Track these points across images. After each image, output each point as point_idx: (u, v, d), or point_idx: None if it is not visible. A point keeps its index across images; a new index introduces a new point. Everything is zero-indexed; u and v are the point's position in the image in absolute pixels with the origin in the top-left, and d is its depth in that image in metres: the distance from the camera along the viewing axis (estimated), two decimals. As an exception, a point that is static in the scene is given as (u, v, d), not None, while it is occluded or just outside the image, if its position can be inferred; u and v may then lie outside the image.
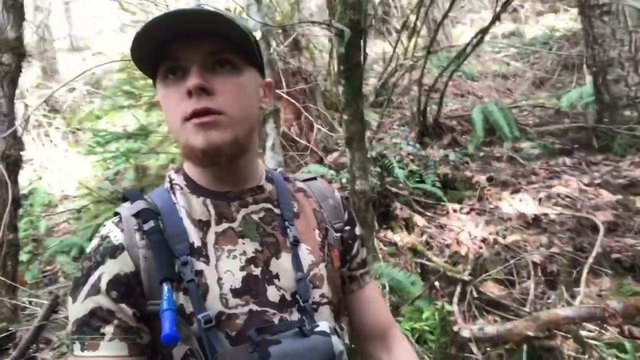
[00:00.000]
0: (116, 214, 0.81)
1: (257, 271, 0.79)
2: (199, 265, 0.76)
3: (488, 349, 2.41)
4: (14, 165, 3.25)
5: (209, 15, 0.71)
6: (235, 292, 0.76)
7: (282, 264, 0.82)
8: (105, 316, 0.72)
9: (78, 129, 8.85)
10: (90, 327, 0.72)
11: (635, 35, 4.70)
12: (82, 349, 0.71)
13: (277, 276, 0.80)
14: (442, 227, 3.99)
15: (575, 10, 7.60)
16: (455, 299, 2.83)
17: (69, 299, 0.75)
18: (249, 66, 0.80)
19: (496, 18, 4.39)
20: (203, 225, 0.79)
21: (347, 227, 0.97)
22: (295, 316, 0.79)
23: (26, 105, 7.48)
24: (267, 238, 0.83)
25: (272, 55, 5.59)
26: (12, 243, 3.09)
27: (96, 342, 0.71)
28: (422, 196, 4.42)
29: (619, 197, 3.56)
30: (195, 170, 0.84)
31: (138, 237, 0.76)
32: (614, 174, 3.99)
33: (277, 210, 0.86)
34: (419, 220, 4.11)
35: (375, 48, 9.34)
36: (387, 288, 3.24)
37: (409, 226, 4.14)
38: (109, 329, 0.71)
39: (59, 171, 7.58)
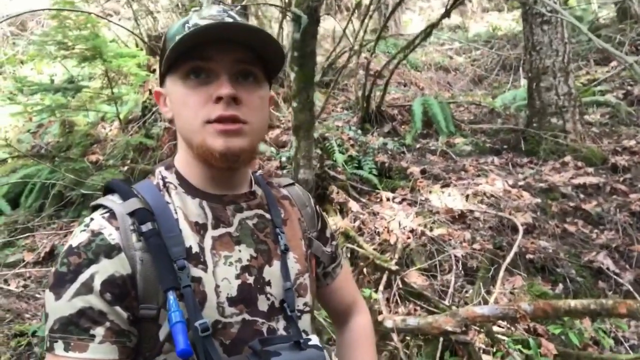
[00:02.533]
0: (99, 207, 0.78)
1: (250, 280, 0.79)
2: (197, 271, 0.74)
3: (407, 338, 2.55)
4: None
5: (251, 28, 0.76)
6: (231, 301, 0.76)
7: (274, 272, 0.83)
8: (97, 317, 0.69)
9: (-2, 73, 8.13)
10: (78, 327, 0.68)
11: (569, 47, 4.99)
12: (67, 349, 0.68)
13: (269, 283, 0.82)
14: (374, 214, 4.10)
15: (518, 12, 7.91)
16: (381, 287, 2.93)
17: (49, 294, 0.70)
18: (265, 80, 0.83)
19: (447, 14, 4.48)
20: (200, 229, 0.78)
21: (321, 234, 1.00)
22: (281, 324, 0.81)
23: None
24: (260, 245, 0.83)
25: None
26: None
27: (84, 343, 0.68)
28: (358, 182, 4.51)
29: (538, 200, 3.81)
30: (191, 170, 0.82)
31: (134, 238, 0.73)
32: (536, 177, 4.26)
33: (268, 216, 0.86)
34: (354, 205, 4.19)
35: (325, 24, 9.25)
36: (317, 271, 3.31)
37: (343, 210, 4.22)
38: (99, 331, 0.69)
39: (-27, 117, 6.95)
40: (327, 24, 9.00)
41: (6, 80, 7.77)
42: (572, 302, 2.08)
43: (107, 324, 0.69)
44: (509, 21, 9.67)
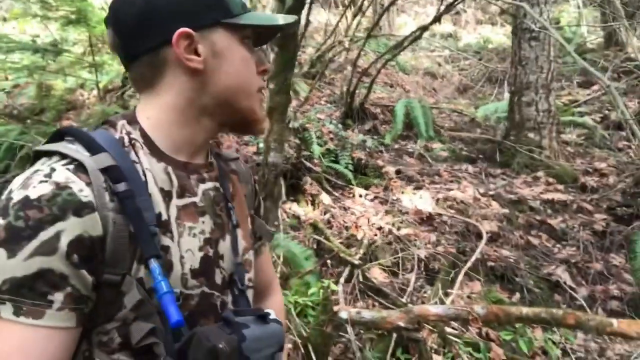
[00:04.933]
0: (55, 153, 0.69)
1: (211, 252, 0.78)
2: (166, 240, 0.71)
3: (362, 332, 2.56)
4: None
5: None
6: (194, 273, 0.74)
7: (226, 246, 0.81)
8: (57, 281, 0.62)
9: (-22, 28, 7.88)
10: (32, 290, 0.61)
11: (554, 65, 5.07)
12: (17, 314, 0.61)
13: (222, 257, 0.80)
14: (345, 209, 4.11)
15: (510, 27, 8.00)
16: (342, 280, 2.94)
17: (0, 251, 0.61)
18: None
19: (437, 19, 4.51)
20: (165, 196, 0.73)
21: (257, 212, 0.99)
22: (229, 298, 0.80)
23: None
24: (217, 218, 0.81)
25: None
26: None
27: (40, 309, 0.62)
28: (333, 176, 4.51)
29: (506, 210, 3.87)
30: (170, 130, 0.76)
31: (107, 197, 0.67)
32: (507, 188, 4.33)
33: (222, 190, 0.84)
34: (326, 198, 4.19)
35: (320, 17, 9.23)
36: (282, 259, 3.30)
37: (315, 202, 4.22)
38: (58, 297, 0.62)
39: (-53, 70, 6.73)
40: (322, 18, 8.98)
41: (-14, 36, 7.53)
42: (524, 310, 2.11)
43: (68, 289, 0.63)
44: (501, 35, 9.78)
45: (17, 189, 0.65)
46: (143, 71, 0.76)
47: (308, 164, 4.51)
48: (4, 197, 0.66)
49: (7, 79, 6.62)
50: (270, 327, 0.76)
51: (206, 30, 0.75)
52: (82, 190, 0.65)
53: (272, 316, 0.78)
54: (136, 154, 0.73)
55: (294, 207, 4.10)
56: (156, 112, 0.77)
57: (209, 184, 0.82)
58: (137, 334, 0.67)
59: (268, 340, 0.74)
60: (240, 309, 0.80)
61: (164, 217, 0.72)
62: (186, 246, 0.75)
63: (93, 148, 0.70)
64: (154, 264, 0.67)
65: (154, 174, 0.73)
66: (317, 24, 8.66)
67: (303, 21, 6.28)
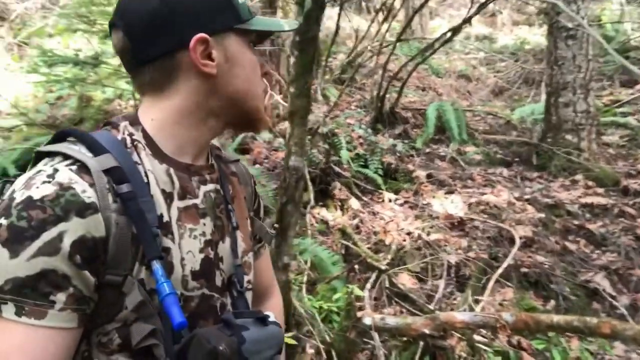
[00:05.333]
0: (57, 154, 0.69)
1: (212, 254, 0.78)
2: (167, 241, 0.71)
3: (388, 338, 2.51)
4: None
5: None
6: (194, 275, 0.74)
7: (225, 248, 0.82)
8: (59, 282, 0.62)
9: (25, 43, 8.29)
10: (35, 291, 0.61)
11: (592, 64, 4.88)
12: (19, 314, 0.61)
13: (221, 259, 0.81)
14: (374, 214, 4.06)
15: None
16: (368, 286, 2.90)
17: (3, 251, 0.61)
18: None
19: (468, 20, 4.42)
20: (167, 197, 0.73)
21: (257, 214, 0.99)
22: (228, 300, 0.81)
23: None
24: (217, 220, 0.81)
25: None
26: None
27: (42, 309, 0.62)
28: (362, 180, 4.48)
29: (542, 215, 3.73)
30: (164, 134, 0.76)
31: (110, 199, 0.67)
32: (543, 192, 4.17)
33: (222, 192, 0.84)
34: (355, 203, 4.17)
35: (351, 23, 9.23)
36: (309, 264, 3.29)
37: (343, 207, 4.20)
38: (60, 297, 0.62)
39: (-4, 84, 7.10)
40: (356, 24, 8.97)
41: (32, 51, 7.91)
42: (555, 318, 2.02)
43: (71, 289, 0.63)
44: (538, 36, 9.50)
45: (19, 189, 0.65)
46: (154, 75, 0.75)
47: (337, 169, 4.49)
48: (6, 197, 0.66)
49: (51, 91, 6.92)
50: (270, 329, 0.75)
51: (220, 36, 0.76)
52: (85, 191, 0.65)
53: (272, 318, 0.77)
54: (138, 155, 0.73)
55: (322, 212, 4.09)
56: (162, 114, 0.77)
57: (210, 186, 0.82)
58: (137, 335, 0.67)
59: (267, 342, 0.74)
60: (240, 310, 0.80)
61: (166, 218, 0.72)
62: (187, 248, 0.74)
63: (96, 149, 0.70)
64: (156, 265, 0.67)
65: (156, 175, 0.73)
66: (349, 30, 8.66)
67: (333, 27, 6.29)
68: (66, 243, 0.62)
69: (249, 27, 0.78)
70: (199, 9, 0.74)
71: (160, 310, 0.67)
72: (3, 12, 8.64)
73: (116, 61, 6.64)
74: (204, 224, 0.78)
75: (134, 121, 0.77)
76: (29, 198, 0.63)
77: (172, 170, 0.75)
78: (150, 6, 0.73)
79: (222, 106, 0.78)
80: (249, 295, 0.87)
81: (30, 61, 7.61)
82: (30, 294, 0.61)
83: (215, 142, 3.29)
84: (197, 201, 0.78)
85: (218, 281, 0.79)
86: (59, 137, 0.74)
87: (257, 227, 0.96)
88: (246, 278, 0.86)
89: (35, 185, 0.64)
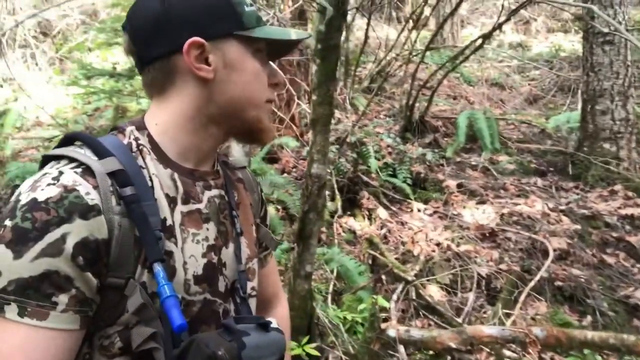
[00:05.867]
0: (63, 157, 0.70)
1: (215, 259, 0.78)
2: (170, 245, 0.72)
3: (413, 352, 2.45)
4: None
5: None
6: (197, 279, 0.74)
7: (229, 254, 0.82)
8: (62, 283, 0.63)
9: (66, 57, 8.62)
10: (38, 292, 0.61)
11: (632, 70, 4.69)
12: (21, 315, 0.61)
13: (225, 265, 0.81)
14: (402, 224, 4.00)
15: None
16: (394, 297, 2.85)
17: (5, 251, 0.62)
18: None
19: (499, 26, 4.33)
20: (170, 202, 0.74)
21: (263, 221, 0.99)
22: (232, 306, 0.81)
23: (16, 22, 7.26)
24: (221, 226, 0.81)
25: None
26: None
27: (44, 310, 0.62)
28: (391, 190, 4.42)
29: (578, 227, 3.59)
30: (176, 137, 0.77)
31: (114, 201, 0.67)
32: (579, 203, 4.02)
33: (227, 198, 0.84)
34: (383, 213, 4.11)
35: (383, 33, 9.21)
36: (335, 274, 3.25)
37: (371, 217, 4.15)
38: (63, 299, 0.63)
39: (38, 96, 7.39)
40: (383, 33, 8.95)
41: (72, 64, 8.22)
42: (590, 334, 1.93)
43: (73, 291, 0.63)
44: (574, 42, 9.24)
45: (25, 192, 0.66)
46: (155, 76, 0.77)
47: (365, 178, 4.46)
48: (12, 199, 0.67)
49: (89, 103, 7.17)
50: (271, 335, 0.74)
51: (218, 41, 0.76)
52: (89, 193, 0.66)
53: (274, 325, 0.76)
54: (143, 159, 0.74)
55: (350, 222, 4.05)
56: (165, 118, 0.78)
57: (215, 192, 0.81)
58: (137, 338, 0.67)
59: (268, 348, 0.72)
60: (241, 316, 0.80)
61: (169, 222, 0.73)
62: (190, 252, 0.74)
63: (101, 152, 0.71)
64: (157, 268, 0.67)
65: (160, 179, 0.74)
66: (379, 39, 8.66)
67: (362, 36, 6.29)
68: (69, 244, 0.63)
69: (250, 34, 0.77)
70: (198, 14, 0.75)
71: (161, 313, 0.67)
72: (46, 28, 9.03)
73: (150, 73, 6.84)
74: (207, 229, 0.78)
75: (140, 126, 0.77)
76: (34, 200, 0.64)
77: (176, 175, 0.76)
78: (153, 10, 0.75)
79: (221, 113, 0.78)
80: (252, 302, 0.86)
81: (71, 74, 7.92)
82: (33, 294, 0.62)
83: (241, 150, 3.28)
84: (201, 206, 0.78)
85: (221, 286, 0.79)
86: (67, 141, 0.75)
87: (263, 233, 0.95)
88: (250, 284, 0.86)
89: (40, 187, 0.65)
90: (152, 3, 0.75)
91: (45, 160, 0.73)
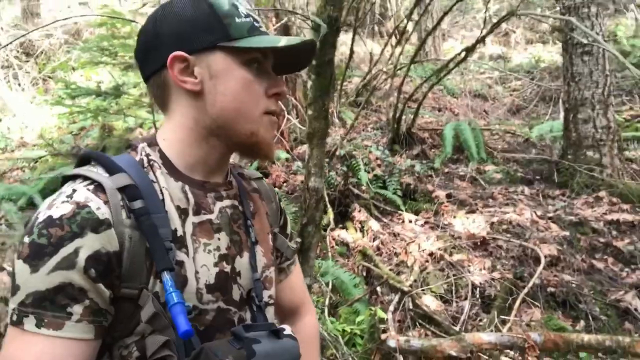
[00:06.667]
0: (76, 177, 0.74)
1: (227, 268, 0.79)
2: (181, 255, 0.74)
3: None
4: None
5: (313, 53, 0.86)
6: (209, 288, 0.76)
7: (244, 263, 0.83)
8: (76, 295, 0.65)
9: (50, 77, 8.56)
10: (53, 303, 0.65)
11: (610, 79, 4.84)
12: (39, 326, 0.64)
13: (239, 274, 0.82)
14: (395, 235, 4.03)
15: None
16: (391, 308, 2.86)
17: (23, 266, 0.65)
18: None
19: (482, 39, 4.44)
20: (181, 213, 0.76)
21: (283, 230, 1.00)
22: (248, 315, 0.82)
23: (-1, 44, 7.20)
24: (234, 235, 0.83)
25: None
26: (-48, 183, 2.96)
27: (60, 321, 0.65)
28: (382, 202, 4.46)
29: (567, 233, 3.66)
30: (184, 151, 0.80)
31: (124, 215, 0.70)
32: (567, 210, 4.10)
33: (240, 208, 0.86)
34: (374, 225, 4.14)
35: (366, 48, 9.34)
36: (330, 286, 3.26)
37: (363, 229, 4.18)
38: (77, 309, 0.66)
39: (22, 116, 7.32)
40: (367, 47, 9.07)
41: (56, 84, 8.17)
42: (586, 337, 1.97)
43: (87, 302, 0.66)
44: (553, 53, 9.48)
45: (43, 210, 0.69)
46: (154, 92, 0.82)
47: (356, 190, 4.49)
48: (32, 218, 0.71)
49: (74, 122, 7.12)
50: (283, 342, 0.75)
51: (203, 53, 0.77)
52: (100, 208, 0.69)
53: (287, 332, 0.78)
54: (154, 173, 0.77)
55: (342, 234, 4.07)
56: (170, 133, 0.81)
57: (227, 202, 0.84)
58: (151, 346, 0.69)
59: (280, 356, 0.73)
60: (252, 323, 0.80)
61: (180, 233, 0.75)
62: (201, 262, 0.76)
63: (111, 169, 0.74)
64: (166, 276, 0.69)
65: (171, 192, 0.76)
66: (363, 54, 8.77)
67: (347, 51, 6.38)
68: (81, 258, 0.66)
69: (235, 44, 0.76)
70: (184, 28, 0.77)
71: (172, 321, 0.69)
72: (29, 48, 8.97)
73: (137, 91, 6.82)
74: (219, 239, 0.79)
75: (152, 142, 0.81)
76: (49, 217, 0.67)
77: (187, 187, 0.78)
78: (147, 32, 0.80)
79: (217, 125, 0.78)
80: (270, 310, 0.87)
81: (55, 94, 7.86)
82: (49, 306, 0.65)
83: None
84: (212, 216, 0.80)
85: (235, 295, 0.80)
86: (83, 161, 0.79)
87: (280, 242, 0.97)
88: (267, 293, 0.87)
89: (55, 205, 0.69)
90: (148, 26, 0.80)
91: (64, 180, 0.77)
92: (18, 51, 8.66)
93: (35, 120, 7.23)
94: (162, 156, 0.79)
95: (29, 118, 7.29)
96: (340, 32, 2.12)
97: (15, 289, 0.66)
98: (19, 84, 8.29)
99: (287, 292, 1.02)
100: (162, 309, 0.70)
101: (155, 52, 0.78)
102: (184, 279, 0.73)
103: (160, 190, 0.76)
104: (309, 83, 2.18)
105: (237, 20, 0.77)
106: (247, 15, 0.79)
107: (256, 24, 0.80)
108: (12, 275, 0.67)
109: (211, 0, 0.78)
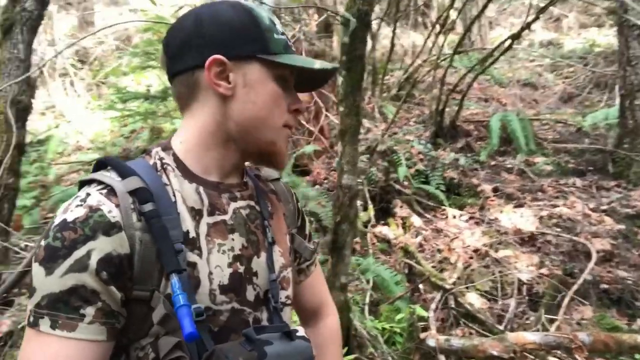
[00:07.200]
0: (91, 182, 0.75)
1: (241, 269, 0.80)
2: (193, 256, 0.74)
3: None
4: (24, 110, 3.30)
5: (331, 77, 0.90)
6: (223, 289, 0.76)
7: (260, 263, 0.83)
8: (89, 297, 0.67)
9: (103, 83, 8.95)
10: (67, 305, 0.66)
11: (671, 62, 4.52)
12: (53, 327, 0.66)
13: (255, 274, 0.82)
14: (438, 231, 3.95)
15: (618, 28, 7.31)
16: (433, 306, 2.81)
17: (40, 269, 0.67)
18: None
19: (528, 26, 4.25)
20: (195, 214, 0.77)
21: (301, 231, 1.00)
22: (264, 315, 0.82)
23: (56, 52, 7.59)
24: (251, 236, 0.83)
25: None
26: (10, 187, 3.15)
27: (73, 322, 0.66)
28: (424, 197, 4.38)
29: (622, 226, 3.46)
30: (199, 154, 0.81)
31: (135, 217, 0.72)
32: (622, 202, 3.87)
33: (257, 208, 0.87)
34: (417, 221, 4.08)
35: (410, 39, 9.18)
36: (371, 284, 3.24)
37: (405, 225, 4.12)
38: (89, 311, 0.67)
39: (78, 122, 7.70)
40: (410, 40, 8.91)
41: (109, 90, 8.53)
42: (639, 337, 1.84)
43: (99, 303, 0.68)
44: (610, 37, 8.96)
45: (59, 214, 0.71)
46: (180, 89, 0.82)
47: (397, 186, 4.43)
48: (51, 222, 0.73)
49: (125, 125, 7.41)
50: (296, 344, 0.75)
51: (241, 61, 0.79)
52: (111, 212, 0.70)
53: (300, 333, 0.77)
54: (167, 177, 0.78)
55: (384, 231, 4.03)
56: (189, 135, 0.82)
57: (241, 203, 0.84)
58: (164, 347, 0.70)
59: (291, 357, 0.73)
60: (264, 325, 0.80)
61: (192, 234, 0.75)
62: (215, 262, 0.76)
63: (124, 173, 0.76)
64: (174, 278, 0.70)
65: (184, 194, 0.77)
66: (406, 46, 8.61)
67: (389, 45, 6.28)
68: (93, 260, 0.67)
69: (273, 59, 0.79)
70: (226, 34, 0.78)
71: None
72: (84, 56, 9.42)
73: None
74: (233, 239, 0.80)
75: (166, 147, 0.82)
76: (64, 221, 0.69)
77: (201, 189, 0.79)
78: (186, 28, 0.80)
79: (239, 130, 0.80)
80: (287, 310, 0.87)
81: (107, 99, 8.21)
82: (63, 307, 0.66)
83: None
84: (226, 217, 0.80)
85: (250, 296, 0.80)
86: (99, 166, 0.81)
87: (298, 243, 0.96)
88: (284, 293, 0.87)
89: (70, 209, 0.71)
90: (187, 23, 0.81)
91: (81, 184, 0.79)
92: (74, 59, 9.11)
93: (89, 125, 7.58)
94: (176, 159, 0.81)
95: (84, 123, 7.65)
96: (379, 26, 2.09)
97: (32, 291, 0.68)
98: (75, 91, 8.72)
99: (307, 293, 1.02)
100: (173, 310, 0.70)
101: (193, 51, 0.79)
102: (197, 281, 0.74)
103: (173, 192, 0.77)
104: (340, 80, 2.16)
105: (276, 36, 0.80)
106: (283, 34, 0.82)
107: (289, 43, 0.83)
108: (30, 278, 0.70)
109: (255, 14, 0.80)
